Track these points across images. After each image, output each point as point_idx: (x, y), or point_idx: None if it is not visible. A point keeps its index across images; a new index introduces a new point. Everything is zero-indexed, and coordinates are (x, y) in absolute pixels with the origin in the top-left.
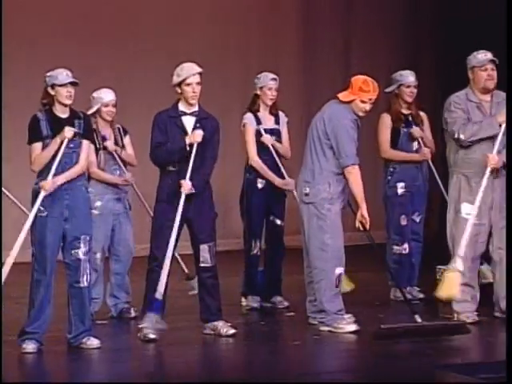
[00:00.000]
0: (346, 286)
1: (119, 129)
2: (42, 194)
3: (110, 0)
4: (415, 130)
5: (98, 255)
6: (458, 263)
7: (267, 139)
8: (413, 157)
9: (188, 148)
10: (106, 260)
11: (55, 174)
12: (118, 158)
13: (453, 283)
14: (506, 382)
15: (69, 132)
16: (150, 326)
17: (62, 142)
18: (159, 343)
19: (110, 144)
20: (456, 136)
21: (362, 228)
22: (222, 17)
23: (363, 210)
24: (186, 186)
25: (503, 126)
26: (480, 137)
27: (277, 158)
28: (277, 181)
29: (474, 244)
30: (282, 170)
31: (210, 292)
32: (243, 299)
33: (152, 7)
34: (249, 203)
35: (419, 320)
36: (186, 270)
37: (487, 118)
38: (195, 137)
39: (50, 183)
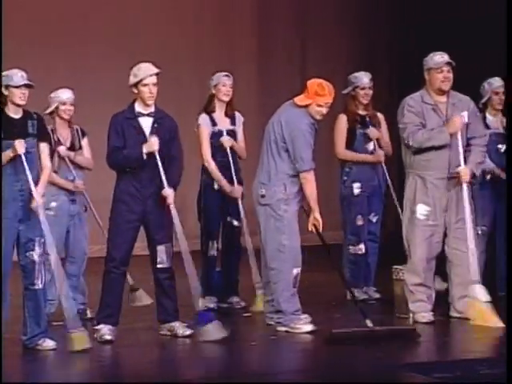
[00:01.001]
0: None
1: (77, 130)
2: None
3: (66, 0)
4: (372, 131)
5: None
6: (479, 293)
7: (226, 141)
8: (367, 158)
9: (145, 157)
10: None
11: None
12: (69, 164)
13: (488, 313)
14: (506, 383)
15: (21, 148)
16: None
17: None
18: (116, 344)
19: (62, 150)
20: (406, 142)
21: (314, 230)
22: (177, 17)
23: (316, 212)
24: (171, 196)
25: (458, 134)
26: (429, 145)
27: (231, 162)
28: (226, 186)
29: (429, 245)
30: (234, 175)
31: (167, 293)
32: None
33: (107, 7)
34: (205, 204)
35: (370, 325)
36: (131, 282)
37: (438, 127)
38: (152, 145)
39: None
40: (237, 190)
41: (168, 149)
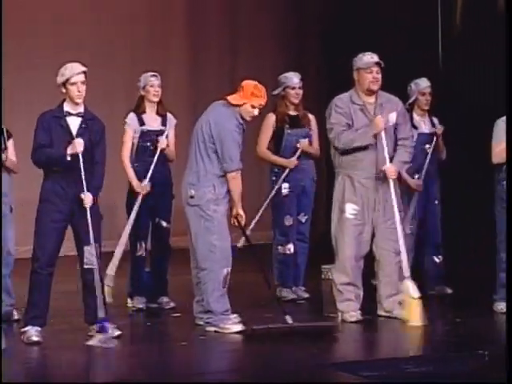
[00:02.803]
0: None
1: (2, 130)
2: None
3: None
4: (303, 144)
5: None
6: (410, 288)
7: (162, 142)
8: (281, 162)
9: (69, 158)
10: None
11: None
12: None
13: (417, 310)
14: (507, 382)
15: None
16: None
17: None
18: (43, 346)
19: None
20: (332, 143)
21: (237, 224)
22: (109, 17)
23: (238, 207)
24: (89, 199)
25: (382, 134)
26: (354, 146)
27: (153, 163)
28: (135, 182)
29: (357, 244)
30: (149, 174)
31: (95, 294)
32: (129, 300)
33: (37, 5)
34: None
35: (290, 321)
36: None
37: (362, 128)
38: (76, 147)
39: None
40: (145, 188)
41: (93, 154)
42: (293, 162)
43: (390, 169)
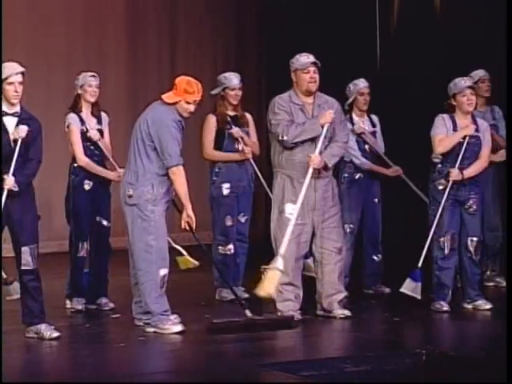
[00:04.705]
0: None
1: None
2: None
3: None
4: (234, 131)
5: None
6: (279, 262)
7: (94, 135)
8: (233, 156)
9: (13, 144)
10: None
11: None
12: None
13: (272, 281)
14: (507, 382)
15: None
16: None
17: None
18: None
19: None
20: (280, 138)
21: (188, 228)
22: (45, 16)
23: (189, 209)
24: (10, 181)
25: (325, 127)
26: (303, 138)
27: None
28: (110, 175)
29: (296, 244)
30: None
31: (32, 295)
32: (68, 301)
33: None
34: (75, 205)
35: (249, 314)
36: (4, 276)
37: (310, 120)
38: (19, 132)
39: None
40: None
41: (26, 150)
42: (246, 152)
43: (314, 157)
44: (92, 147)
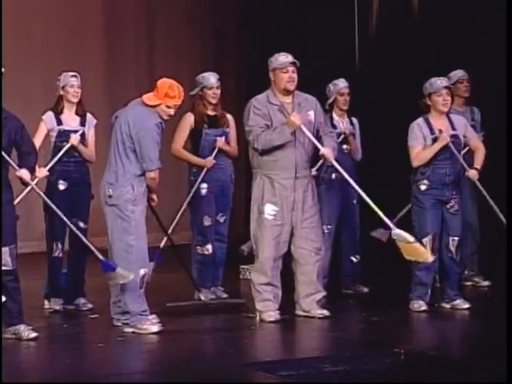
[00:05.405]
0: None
1: None
2: None
3: None
4: (220, 142)
5: None
6: (402, 235)
7: (75, 139)
8: (196, 161)
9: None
10: None
11: None
12: None
13: (420, 249)
14: (507, 382)
15: None
16: None
17: None
18: None
19: None
20: (252, 145)
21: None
22: (24, 16)
23: (154, 193)
24: (25, 174)
25: (302, 127)
26: (273, 145)
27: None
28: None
29: (276, 244)
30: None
31: (11, 295)
32: (46, 302)
33: None
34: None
35: (202, 298)
36: None
37: (278, 126)
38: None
39: None
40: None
41: (16, 147)
42: (210, 160)
43: (327, 151)
44: (72, 150)
